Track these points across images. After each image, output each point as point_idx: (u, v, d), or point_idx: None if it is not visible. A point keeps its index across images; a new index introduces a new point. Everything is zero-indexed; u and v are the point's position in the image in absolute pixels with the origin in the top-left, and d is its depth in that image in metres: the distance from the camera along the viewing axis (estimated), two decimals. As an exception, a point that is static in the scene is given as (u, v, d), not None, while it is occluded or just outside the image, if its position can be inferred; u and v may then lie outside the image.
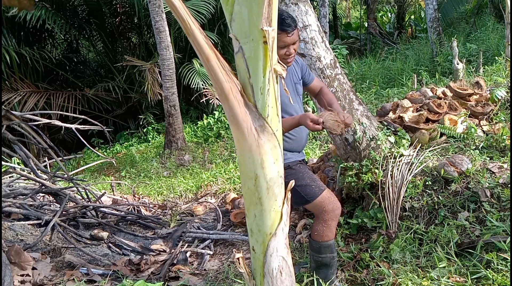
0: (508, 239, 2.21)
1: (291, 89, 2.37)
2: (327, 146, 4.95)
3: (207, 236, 3.54)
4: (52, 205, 4.00)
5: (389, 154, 2.87)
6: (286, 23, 2.11)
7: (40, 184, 3.83)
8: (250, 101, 1.19)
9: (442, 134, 3.08)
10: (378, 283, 2.34)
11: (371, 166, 2.82)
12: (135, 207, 4.30)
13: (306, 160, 4.27)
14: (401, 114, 3.20)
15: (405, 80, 6.71)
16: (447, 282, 2.13)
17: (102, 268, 3.08)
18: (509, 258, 2.12)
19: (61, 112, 4.39)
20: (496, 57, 5.85)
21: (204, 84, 7.95)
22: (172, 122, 6.76)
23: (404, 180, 2.69)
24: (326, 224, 2.33)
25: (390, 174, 2.71)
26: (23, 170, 4.21)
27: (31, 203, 3.70)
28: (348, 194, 3.08)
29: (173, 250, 3.35)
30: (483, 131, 3.10)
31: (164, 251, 3.41)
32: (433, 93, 3.55)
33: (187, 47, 8.80)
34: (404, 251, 2.51)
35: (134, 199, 4.72)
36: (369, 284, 2.43)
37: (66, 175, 3.96)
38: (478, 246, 2.28)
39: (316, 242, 2.38)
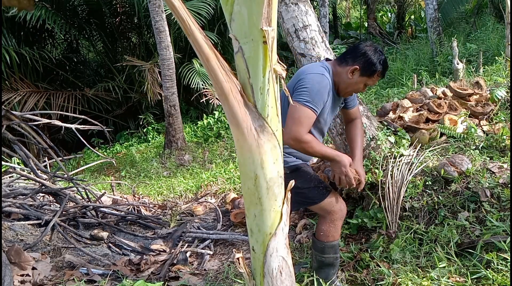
0: (508, 239, 2.21)
1: (333, 110, 2.35)
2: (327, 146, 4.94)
3: (207, 236, 3.54)
4: (52, 205, 4.00)
5: (389, 154, 2.86)
6: (386, 70, 2.26)
7: (40, 184, 3.83)
8: (250, 101, 1.19)
9: (442, 134, 3.08)
10: (378, 283, 2.34)
11: (371, 166, 2.82)
12: (135, 207, 4.30)
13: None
14: (401, 114, 3.20)
15: (405, 80, 6.71)
16: (447, 282, 2.13)
17: (102, 268, 3.08)
18: (509, 258, 2.12)
19: (61, 112, 4.40)
20: (496, 57, 5.85)
21: (204, 84, 7.96)
22: (172, 122, 6.76)
23: (404, 180, 2.69)
24: (333, 224, 2.34)
25: (390, 174, 2.71)
26: (23, 170, 4.21)
27: (31, 203, 3.70)
28: (348, 194, 3.08)
29: (173, 250, 3.35)
30: (483, 131, 3.10)
31: (164, 251, 3.41)
32: (433, 93, 3.55)
33: (187, 47, 8.80)
34: (404, 251, 2.51)
35: (134, 199, 4.72)
36: (369, 284, 2.43)
37: (66, 175, 3.96)
38: (478, 246, 2.28)
39: (321, 242, 2.38)
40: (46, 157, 4.43)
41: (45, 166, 4.40)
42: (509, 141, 2.82)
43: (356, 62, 2.18)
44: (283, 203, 1.30)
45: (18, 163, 5.02)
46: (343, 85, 2.23)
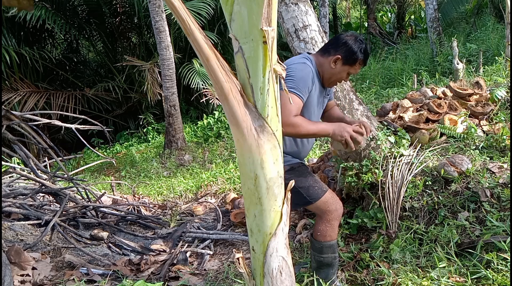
0: (508, 239, 2.21)
1: (320, 103, 2.37)
2: (327, 146, 4.95)
3: (207, 236, 3.54)
4: (52, 205, 4.00)
5: (389, 154, 2.87)
6: (368, 58, 2.30)
7: (40, 184, 3.83)
8: (250, 101, 1.19)
9: (442, 134, 3.08)
10: (378, 283, 2.34)
11: (371, 166, 2.82)
12: (135, 207, 4.30)
13: (306, 160, 4.28)
14: (401, 114, 3.20)
15: (405, 80, 6.71)
16: (447, 282, 2.13)
17: (102, 268, 3.08)
18: (509, 258, 2.12)
19: (61, 112, 4.39)
20: (496, 57, 5.85)
21: (204, 84, 7.96)
22: (172, 122, 6.76)
23: (404, 180, 2.69)
24: (329, 224, 2.34)
25: (390, 174, 2.71)
26: (23, 170, 4.21)
27: (31, 203, 3.70)
28: (348, 194, 3.08)
29: (173, 250, 3.35)
30: (483, 131, 3.10)
31: (164, 251, 3.41)
32: (433, 93, 3.55)
33: (187, 47, 8.81)
34: (404, 251, 2.51)
35: (134, 199, 4.72)
36: (369, 284, 2.43)
37: (66, 175, 3.96)
38: (478, 246, 2.28)
39: (319, 242, 2.38)
40: (46, 157, 4.43)
41: (45, 166, 4.40)
42: (509, 141, 2.82)
43: (338, 51, 2.23)
44: (283, 203, 1.30)
45: (18, 163, 5.02)
46: (327, 75, 2.28)
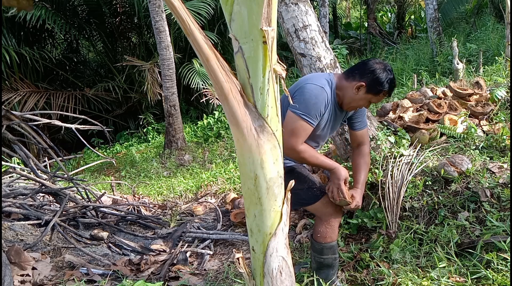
0: (508, 239, 2.21)
1: (330, 126, 2.31)
2: (327, 146, 4.95)
3: (207, 236, 3.54)
4: (52, 205, 4.00)
5: (389, 154, 2.87)
6: (393, 90, 2.26)
7: (40, 184, 3.83)
8: (250, 101, 1.19)
9: (442, 134, 3.08)
10: (378, 283, 2.34)
11: (371, 166, 2.82)
12: (135, 207, 4.29)
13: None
14: (401, 114, 3.20)
15: (405, 80, 6.71)
16: (447, 282, 2.13)
17: (102, 268, 3.08)
18: (509, 258, 2.12)
19: (61, 112, 4.39)
20: (496, 57, 5.85)
21: (204, 84, 7.96)
22: (172, 122, 6.76)
23: (404, 180, 2.69)
24: (329, 226, 2.34)
25: (390, 174, 2.71)
26: (23, 170, 4.20)
27: (31, 203, 3.70)
28: (348, 194, 3.08)
29: (173, 250, 3.35)
30: (483, 131, 3.10)
31: (164, 251, 3.41)
32: (433, 93, 3.55)
33: (187, 47, 8.81)
34: (404, 251, 2.51)
35: (134, 199, 4.72)
36: (369, 284, 2.43)
37: (66, 175, 3.96)
38: (478, 246, 2.28)
39: (319, 243, 2.38)
40: (46, 157, 4.42)
41: (45, 166, 4.40)
42: (509, 141, 2.82)
43: (364, 78, 2.15)
44: (283, 203, 1.30)
45: (18, 163, 5.02)
46: (347, 99, 2.20)
